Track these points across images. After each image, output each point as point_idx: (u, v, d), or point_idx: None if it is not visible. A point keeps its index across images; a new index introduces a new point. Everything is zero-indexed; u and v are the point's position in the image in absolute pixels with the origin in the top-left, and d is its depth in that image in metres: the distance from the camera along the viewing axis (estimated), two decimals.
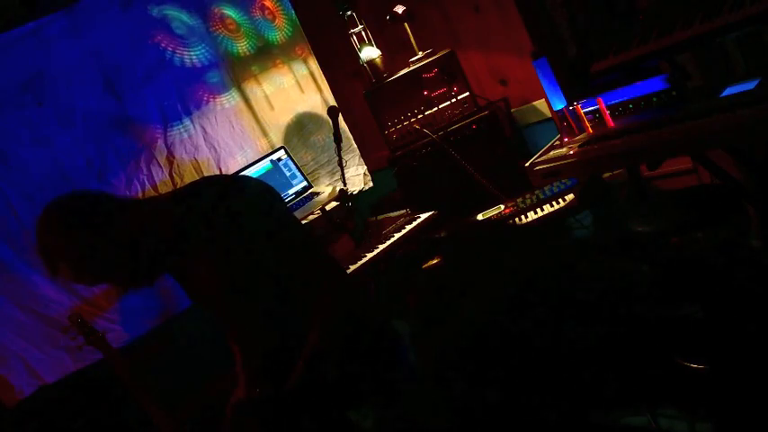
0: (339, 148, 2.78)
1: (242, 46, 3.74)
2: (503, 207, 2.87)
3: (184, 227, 1.55)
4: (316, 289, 1.66)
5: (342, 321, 1.70)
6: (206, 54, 3.59)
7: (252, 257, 1.59)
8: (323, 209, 3.14)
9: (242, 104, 3.70)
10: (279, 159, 3.48)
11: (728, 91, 1.65)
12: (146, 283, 1.61)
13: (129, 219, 1.51)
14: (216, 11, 3.66)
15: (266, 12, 3.84)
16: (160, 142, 3.36)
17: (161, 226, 1.54)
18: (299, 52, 3.93)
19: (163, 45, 3.43)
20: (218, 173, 3.52)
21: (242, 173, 3.32)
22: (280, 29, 3.89)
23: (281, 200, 1.75)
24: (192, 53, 3.54)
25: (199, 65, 3.56)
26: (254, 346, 1.72)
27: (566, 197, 2.67)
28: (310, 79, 3.95)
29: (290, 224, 1.72)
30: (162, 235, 1.54)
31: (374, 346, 1.73)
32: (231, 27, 3.72)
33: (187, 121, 3.47)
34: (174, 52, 3.47)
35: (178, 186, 3.32)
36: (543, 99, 3.14)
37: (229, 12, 3.72)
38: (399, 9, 3.11)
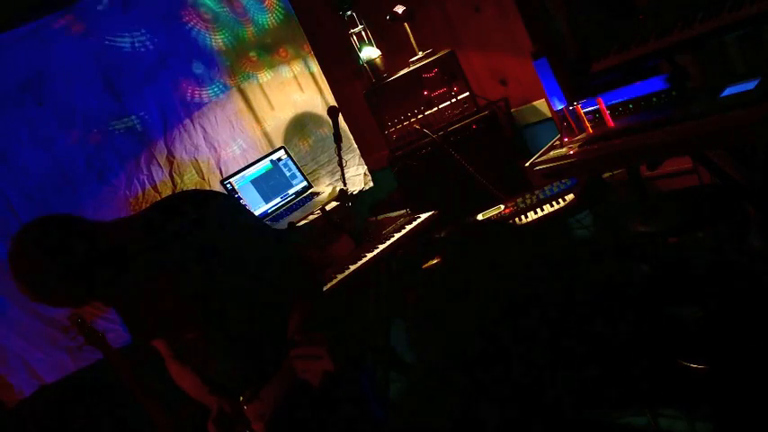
0: (339, 148, 2.78)
1: (244, 45, 3.74)
2: (503, 207, 2.87)
3: (156, 249, 1.54)
4: (290, 302, 1.68)
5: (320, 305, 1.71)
6: (207, 53, 3.59)
7: (223, 278, 1.59)
8: (323, 209, 3.14)
9: (242, 104, 3.70)
10: (279, 159, 3.48)
11: (728, 91, 1.64)
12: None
13: (108, 237, 1.51)
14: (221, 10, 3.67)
15: (267, 6, 3.84)
16: (160, 142, 3.36)
17: (133, 248, 1.53)
18: (299, 51, 3.93)
19: (162, 45, 3.43)
20: (217, 173, 3.52)
21: (240, 173, 3.33)
22: (281, 24, 3.88)
23: (250, 219, 1.76)
24: (192, 53, 3.54)
25: (200, 64, 3.56)
26: (229, 364, 1.72)
27: (566, 197, 2.67)
28: (310, 79, 3.95)
29: (259, 241, 1.72)
30: (136, 255, 1.53)
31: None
32: (236, 26, 3.72)
33: (187, 121, 3.47)
34: (174, 52, 3.46)
35: (178, 186, 3.34)
36: (543, 99, 3.14)
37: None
38: (399, 9, 3.11)
